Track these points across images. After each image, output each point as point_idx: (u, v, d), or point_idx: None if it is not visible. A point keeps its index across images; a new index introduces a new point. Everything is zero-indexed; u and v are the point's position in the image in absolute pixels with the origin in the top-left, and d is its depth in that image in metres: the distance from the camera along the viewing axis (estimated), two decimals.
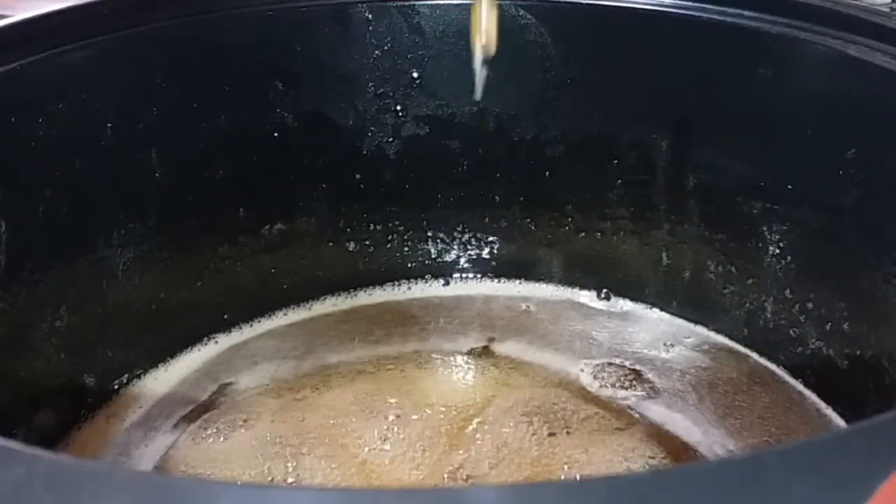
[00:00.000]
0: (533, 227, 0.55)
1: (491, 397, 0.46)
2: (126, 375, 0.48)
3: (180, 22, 0.46)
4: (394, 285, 0.56)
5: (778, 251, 0.47)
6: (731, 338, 0.51)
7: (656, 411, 0.46)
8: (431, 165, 0.54)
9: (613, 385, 0.47)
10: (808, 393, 0.47)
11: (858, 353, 0.43)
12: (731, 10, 0.45)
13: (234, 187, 0.50)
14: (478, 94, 0.40)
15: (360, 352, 0.50)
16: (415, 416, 0.45)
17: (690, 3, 0.47)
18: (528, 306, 0.54)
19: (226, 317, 0.52)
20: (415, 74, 0.52)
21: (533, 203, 0.55)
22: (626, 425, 0.44)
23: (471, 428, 0.44)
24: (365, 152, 0.53)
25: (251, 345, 0.51)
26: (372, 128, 0.53)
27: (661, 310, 0.53)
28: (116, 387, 0.47)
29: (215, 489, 0.17)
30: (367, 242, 0.55)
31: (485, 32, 0.39)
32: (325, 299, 0.55)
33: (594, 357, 0.50)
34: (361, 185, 0.54)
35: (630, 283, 0.54)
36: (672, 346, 0.50)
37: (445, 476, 0.41)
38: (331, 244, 0.54)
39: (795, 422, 0.45)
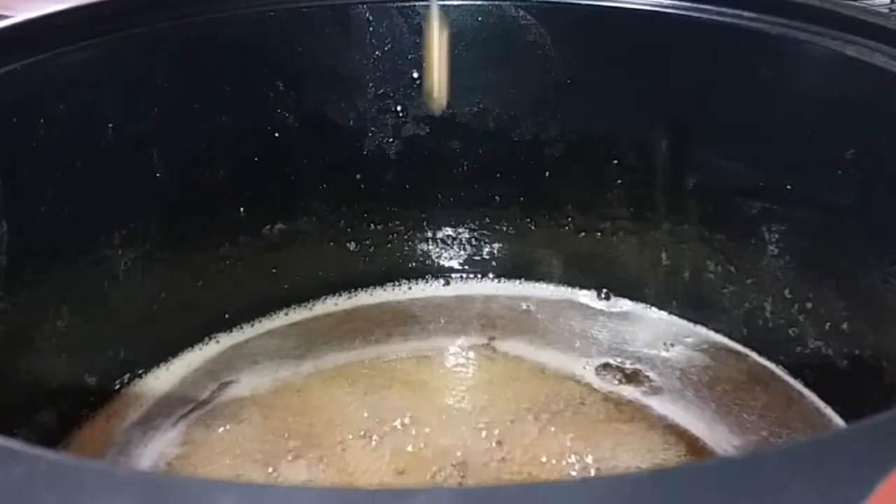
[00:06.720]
0: (533, 227, 0.55)
1: (492, 396, 0.46)
2: (127, 375, 0.48)
3: (180, 22, 0.46)
4: (394, 285, 0.56)
5: (777, 251, 0.47)
6: (730, 337, 0.51)
7: (657, 410, 0.46)
8: (431, 165, 0.54)
9: (614, 384, 0.47)
10: (807, 392, 0.47)
11: (858, 352, 0.43)
12: (730, 11, 0.45)
13: (235, 187, 0.50)
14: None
15: (361, 351, 0.51)
16: (416, 415, 0.45)
17: (689, 4, 0.46)
18: (528, 306, 0.54)
19: (227, 316, 0.52)
20: (415, 75, 0.52)
21: (533, 203, 0.55)
22: (627, 424, 0.44)
23: (472, 426, 0.44)
24: (365, 152, 0.53)
25: (252, 344, 0.51)
26: (372, 128, 0.53)
27: (661, 310, 0.53)
28: (117, 386, 0.47)
29: (215, 488, 0.17)
30: (368, 242, 0.55)
31: (436, 84, 0.40)
32: (325, 299, 0.55)
33: (594, 356, 0.50)
34: (362, 185, 0.54)
35: (630, 283, 0.54)
36: (672, 345, 0.50)
37: (446, 475, 0.41)
38: (332, 244, 0.54)
39: (795, 421, 0.45)
